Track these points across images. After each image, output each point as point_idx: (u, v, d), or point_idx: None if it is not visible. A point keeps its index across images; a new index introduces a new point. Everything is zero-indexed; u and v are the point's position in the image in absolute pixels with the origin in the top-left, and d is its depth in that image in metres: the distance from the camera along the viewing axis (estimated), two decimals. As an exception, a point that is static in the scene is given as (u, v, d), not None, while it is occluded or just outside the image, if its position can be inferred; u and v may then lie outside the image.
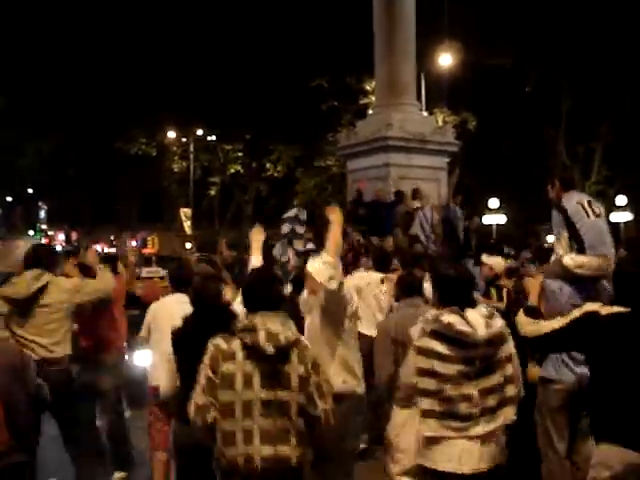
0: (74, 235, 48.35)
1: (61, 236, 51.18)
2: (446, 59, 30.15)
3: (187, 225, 41.85)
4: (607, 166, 34.36)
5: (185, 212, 42.86)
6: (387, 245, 11.80)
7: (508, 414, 4.26)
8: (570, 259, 5.60)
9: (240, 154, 40.65)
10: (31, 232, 52.84)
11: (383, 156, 15.49)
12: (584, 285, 5.54)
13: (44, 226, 55.45)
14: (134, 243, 46.49)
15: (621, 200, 33.65)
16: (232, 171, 41.10)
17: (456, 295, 4.33)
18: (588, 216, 5.63)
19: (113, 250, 33.20)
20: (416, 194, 14.32)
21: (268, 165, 39.36)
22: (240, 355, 4.01)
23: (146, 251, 41.06)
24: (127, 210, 47.10)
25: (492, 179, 33.06)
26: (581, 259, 5.56)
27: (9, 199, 52.09)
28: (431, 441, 4.25)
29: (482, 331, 4.14)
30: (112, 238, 45.56)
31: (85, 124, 39.95)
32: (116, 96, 37.44)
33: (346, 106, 33.90)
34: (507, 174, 32.42)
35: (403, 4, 16.23)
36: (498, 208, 34.42)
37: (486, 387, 4.19)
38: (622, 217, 33.76)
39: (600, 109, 31.70)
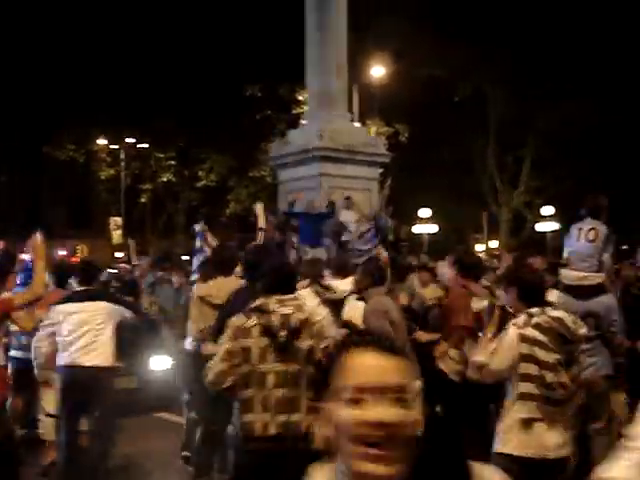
0: (1, 244, 47.13)
1: (-13, 245, 49.82)
2: (378, 70, 30.45)
3: (117, 234, 41.14)
4: (535, 176, 35.12)
5: (115, 221, 42.15)
6: (318, 256, 11.83)
7: (579, 397, 4.81)
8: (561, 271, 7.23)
9: (172, 162, 40.23)
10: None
11: (314, 166, 15.56)
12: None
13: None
14: (64, 252, 45.52)
15: (548, 210, 34.39)
16: (164, 179, 40.61)
17: (537, 296, 4.82)
18: (578, 239, 7.03)
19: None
20: (348, 202, 14.45)
21: (200, 173, 39.04)
22: (256, 332, 4.53)
23: (75, 260, 40.26)
24: (56, 218, 46.15)
25: (423, 189, 33.45)
26: (562, 271, 7.17)
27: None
28: (526, 424, 4.56)
29: (582, 329, 4.68)
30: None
31: (14, 129, 38.99)
32: (45, 101, 36.67)
33: (279, 115, 33.92)
34: (438, 184, 32.85)
35: (335, 15, 16.35)
36: (429, 217, 34.82)
37: (574, 374, 4.68)
38: (549, 227, 34.52)
39: (527, 119, 32.40)
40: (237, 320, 4.62)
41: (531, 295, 4.80)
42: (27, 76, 36.58)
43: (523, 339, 4.56)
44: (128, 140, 40.46)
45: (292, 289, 4.84)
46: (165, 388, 10.33)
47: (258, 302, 4.63)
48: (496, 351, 4.62)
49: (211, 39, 33.14)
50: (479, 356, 4.73)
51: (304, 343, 4.56)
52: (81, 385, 6.73)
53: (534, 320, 4.59)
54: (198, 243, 9.63)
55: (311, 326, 4.63)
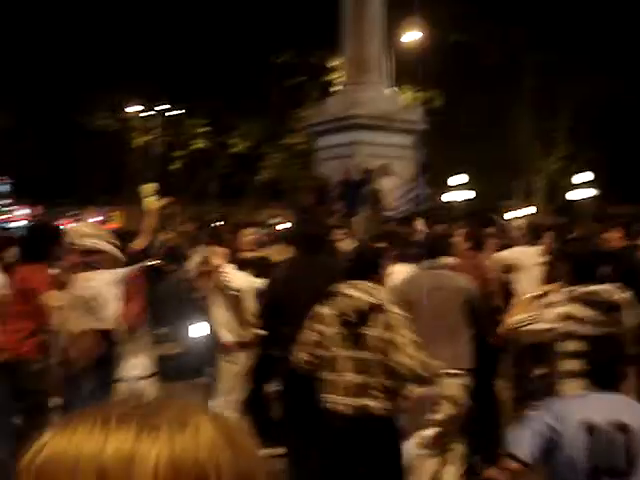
0: (38, 210, 47.68)
1: (24, 211, 50.38)
2: (414, 36, 30.09)
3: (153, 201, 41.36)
4: (571, 143, 34.72)
5: (148, 187, 42.34)
6: (356, 224, 11.89)
7: None
8: None
9: (206, 129, 40.25)
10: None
11: (351, 134, 15.53)
12: None
13: (9, 201, 54.64)
14: (99, 218, 45.85)
15: (583, 177, 34.05)
16: (197, 146, 40.70)
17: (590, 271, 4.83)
18: None
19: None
20: (385, 170, 14.47)
21: (234, 140, 39.02)
22: (330, 317, 4.69)
23: (110, 227, 40.53)
24: (90, 185, 46.50)
25: (458, 156, 33.18)
26: None
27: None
28: None
29: (616, 294, 4.67)
30: (76, 214, 44.95)
31: (45, 96, 39.20)
32: (78, 69, 36.79)
33: (312, 83, 33.73)
34: (473, 151, 32.56)
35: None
36: (465, 184, 34.61)
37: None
38: (585, 194, 34.18)
39: (563, 86, 31.98)
40: (316, 306, 4.79)
41: (582, 271, 4.80)
42: (59, 45, 36.70)
43: (561, 318, 4.58)
44: (161, 107, 40.55)
45: (369, 274, 4.85)
46: (203, 354, 10.43)
47: (333, 287, 4.76)
48: (534, 319, 4.65)
49: (243, 5, 32.94)
50: (517, 315, 4.76)
51: (374, 330, 4.56)
52: None
53: (572, 295, 4.62)
54: None
55: (384, 314, 4.60)
